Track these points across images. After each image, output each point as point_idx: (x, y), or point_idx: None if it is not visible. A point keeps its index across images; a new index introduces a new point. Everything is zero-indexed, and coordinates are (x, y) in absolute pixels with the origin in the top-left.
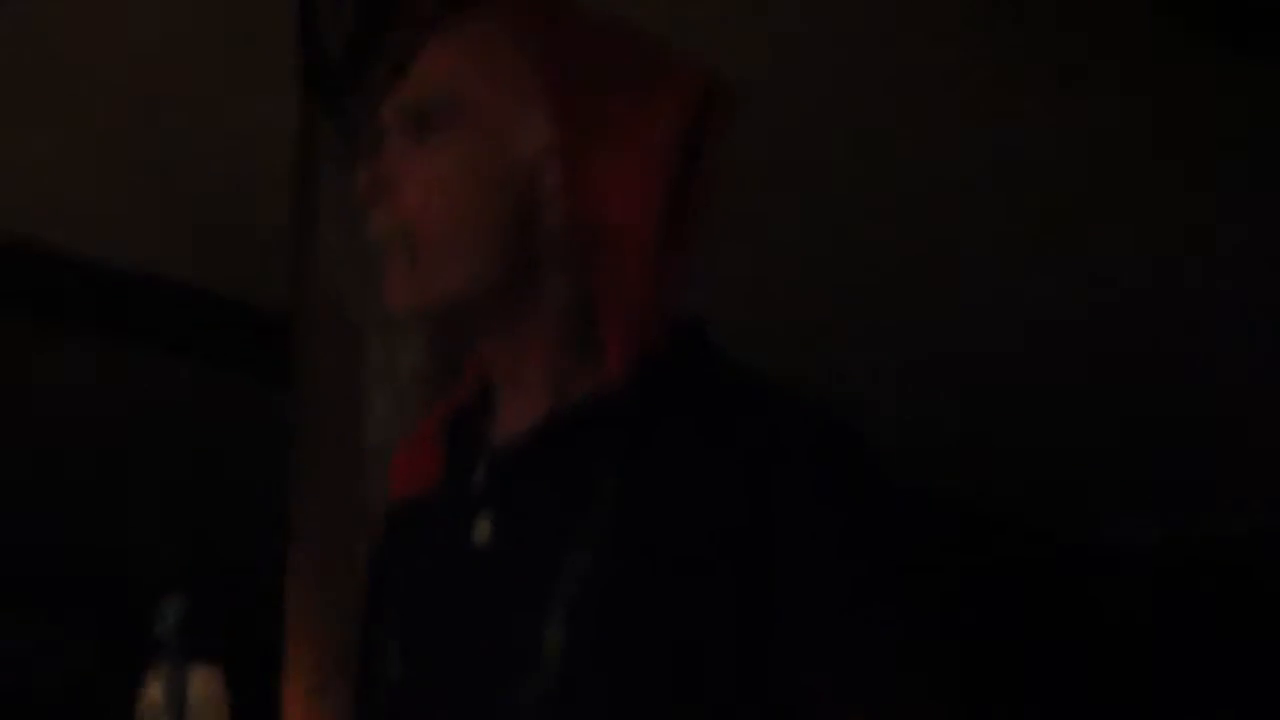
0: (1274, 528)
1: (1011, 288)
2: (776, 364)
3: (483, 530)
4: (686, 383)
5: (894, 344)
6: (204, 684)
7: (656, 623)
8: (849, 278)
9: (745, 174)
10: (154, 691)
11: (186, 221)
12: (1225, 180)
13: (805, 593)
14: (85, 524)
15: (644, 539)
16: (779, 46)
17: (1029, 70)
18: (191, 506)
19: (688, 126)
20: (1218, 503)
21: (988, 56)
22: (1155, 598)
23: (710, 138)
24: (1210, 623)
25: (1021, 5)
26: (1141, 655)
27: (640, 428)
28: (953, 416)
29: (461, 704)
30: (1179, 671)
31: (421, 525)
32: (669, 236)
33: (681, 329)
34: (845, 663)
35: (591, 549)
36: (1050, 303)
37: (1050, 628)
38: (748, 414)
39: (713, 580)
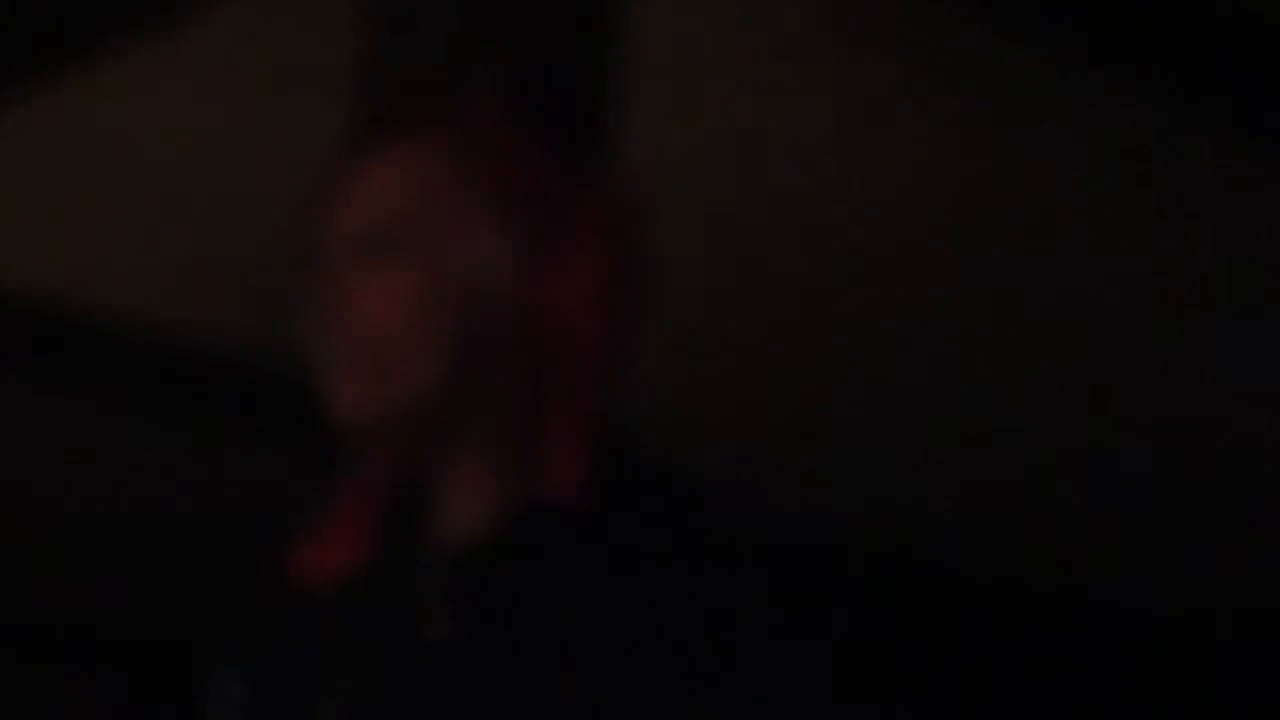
0: None
1: (1035, 354)
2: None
3: (439, 626)
4: (634, 493)
5: (913, 414)
6: None
7: None
8: (849, 349)
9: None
10: None
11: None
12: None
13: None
14: (111, 588)
15: (598, 648)
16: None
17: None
18: (209, 570)
19: (618, 239)
20: (1238, 573)
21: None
22: (1174, 670)
23: (638, 249)
24: (1231, 696)
25: None
26: None
27: (591, 535)
28: (969, 486)
29: None
30: None
31: (346, 616)
32: (613, 347)
33: (624, 438)
34: None
35: (546, 655)
36: (1066, 371)
37: (1069, 698)
38: (698, 531)
39: (666, 694)
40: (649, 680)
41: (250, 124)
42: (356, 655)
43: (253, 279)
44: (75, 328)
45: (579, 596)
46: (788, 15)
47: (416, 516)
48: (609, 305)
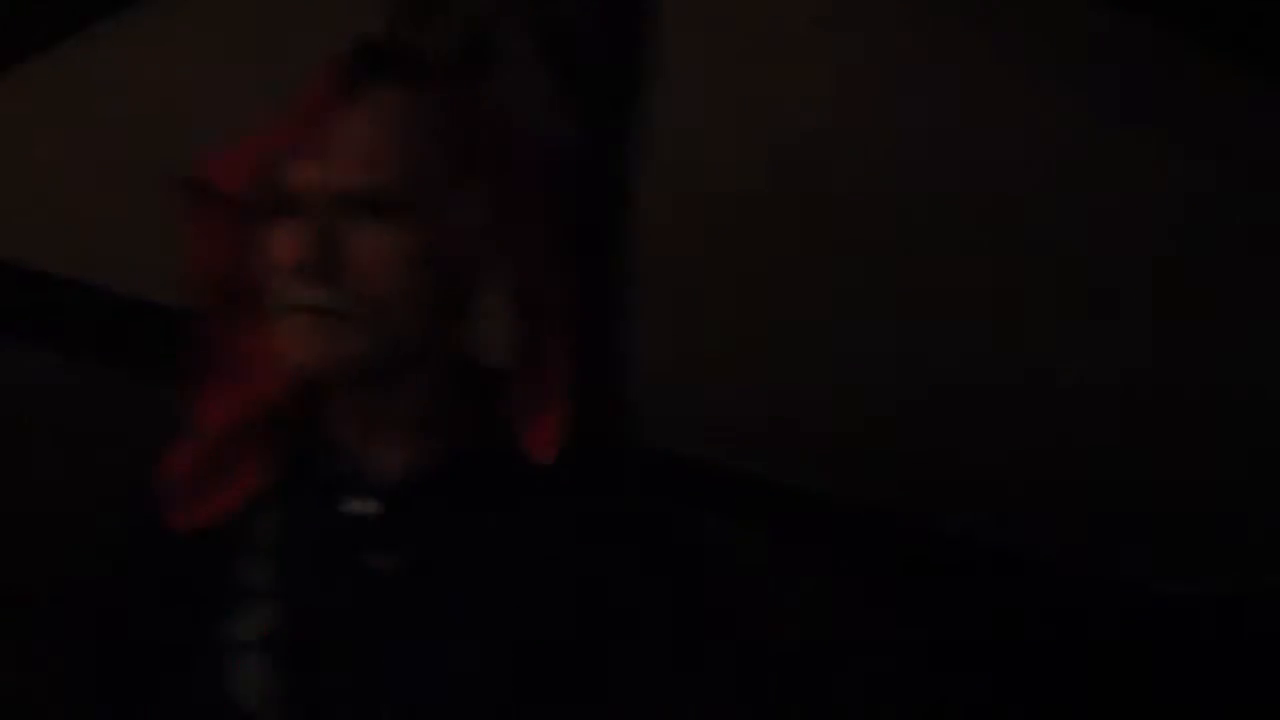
0: None
1: (1081, 339)
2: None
3: (383, 559)
4: (576, 463)
5: (967, 399)
6: None
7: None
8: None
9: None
10: None
11: None
12: None
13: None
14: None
15: (508, 593)
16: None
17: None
18: None
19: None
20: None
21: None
22: (1221, 652)
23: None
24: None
25: None
26: (1205, 710)
27: (524, 486)
28: (1014, 464)
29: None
30: None
31: (251, 548)
32: (571, 310)
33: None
34: None
35: (469, 593)
36: (1110, 361)
37: (1112, 680)
38: (618, 520)
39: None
40: (547, 630)
41: (251, 89)
42: (279, 585)
43: None
44: (74, 295)
45: (501, 541)
46: None
47: (325, 452)
48: (566, 263)
